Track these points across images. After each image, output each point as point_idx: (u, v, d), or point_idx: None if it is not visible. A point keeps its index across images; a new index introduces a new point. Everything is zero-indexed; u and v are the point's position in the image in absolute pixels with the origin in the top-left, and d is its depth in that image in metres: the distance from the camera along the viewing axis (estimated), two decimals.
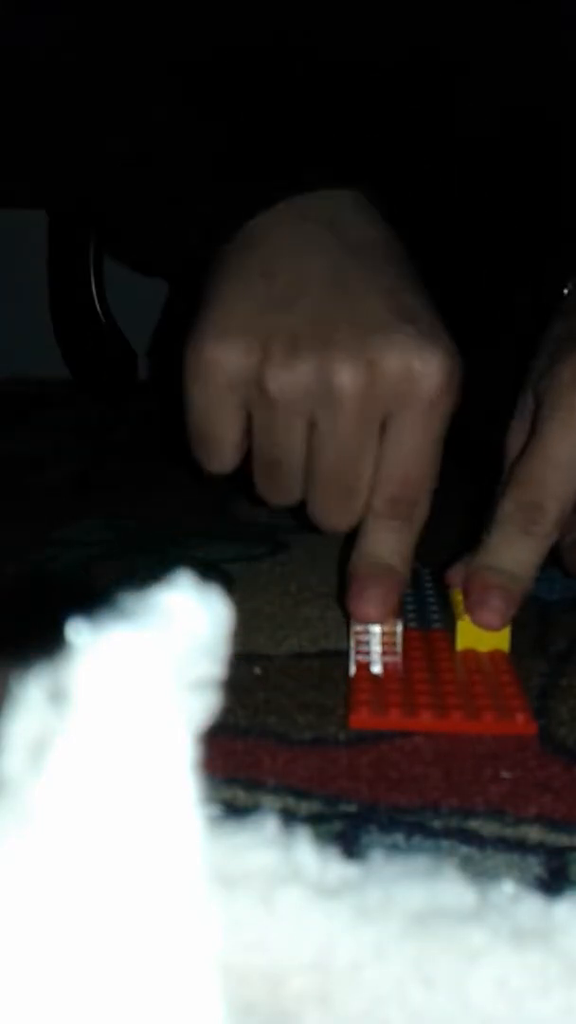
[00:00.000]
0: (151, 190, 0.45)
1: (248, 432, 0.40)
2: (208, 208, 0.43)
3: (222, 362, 0.39)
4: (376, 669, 0.35)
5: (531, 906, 0.15)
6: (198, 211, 0.43)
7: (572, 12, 0.52)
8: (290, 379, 0.38)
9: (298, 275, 0.39)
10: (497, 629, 0.36)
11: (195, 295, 0.42)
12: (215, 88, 0.44)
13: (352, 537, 0.40)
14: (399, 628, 0.36)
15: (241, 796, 0.28)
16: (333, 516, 0.40)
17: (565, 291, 0.46)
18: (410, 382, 0.37)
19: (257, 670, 0.36)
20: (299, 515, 0.42)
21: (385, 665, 0.35)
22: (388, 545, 0.38)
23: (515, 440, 0.42)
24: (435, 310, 0.40)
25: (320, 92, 0.48)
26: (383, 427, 0.38)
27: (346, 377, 0.37)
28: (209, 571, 0.46)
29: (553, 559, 0.43)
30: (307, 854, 0.15)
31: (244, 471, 0.42)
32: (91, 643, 0.12)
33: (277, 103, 0.45)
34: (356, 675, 0.35)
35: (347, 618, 0.38)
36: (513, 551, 0.37)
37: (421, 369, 0.37)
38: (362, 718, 0.32)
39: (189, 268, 0.43)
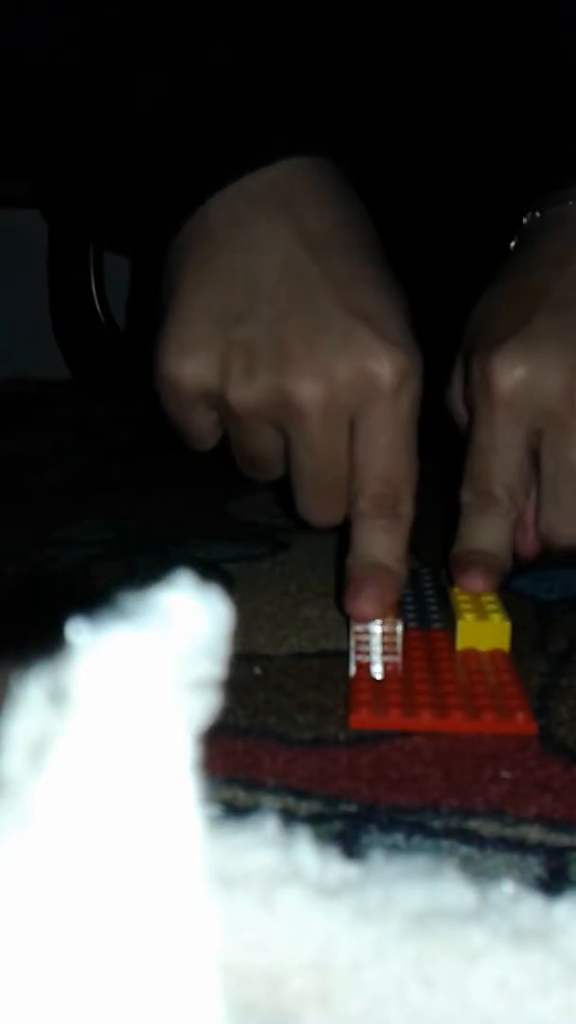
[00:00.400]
0: (145, 186, 0.45)
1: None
2: (160, 196, 0.44)
3: (184, 379, 0.41)
4: (376, 669, 0.35)
5: (531, 906, 0.15)
6: (153, 200, 0.44)
7: (572, 12, 0.53)
8: (250, 397, 0.39)
9: (253, 281, 0.40)
10: (481, 591, 0.39)
11: (158, 285, 0.43)
12: (214, 88, 0.44)
13: (347, 537, 0.40)
14: (399, 628, 0.36)
15: (241, 796, 0.28)
16: (318, 513, 0.42)
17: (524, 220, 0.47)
18: (366, 382, 0.38)
19: (257, 670, 0.36)
20: (297, 514, 0.43)
21: (385, 665, 0.35)
22: (381, 545, 0.39)
23: (457, 408, 0.44)
24: (397, 296, 0.41)
25: (319, 92, 0.48)
26: (353, 427, 0.39)
27: (304, 391, 0.38)
28: (209, 571, 0.46)
29: (552, 554, 0.44)
30: (307, 854, 0.15)
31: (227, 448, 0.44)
32: (91, 643, 0.12)
33: (277, 102, 0.45)
34: (356, 675, 0.35)
35: (347, 618, 0.38)
36: (481, 534, 0.41)
37: (375, 368, 0.38)
38: (362, 718, 0.32)
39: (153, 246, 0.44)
